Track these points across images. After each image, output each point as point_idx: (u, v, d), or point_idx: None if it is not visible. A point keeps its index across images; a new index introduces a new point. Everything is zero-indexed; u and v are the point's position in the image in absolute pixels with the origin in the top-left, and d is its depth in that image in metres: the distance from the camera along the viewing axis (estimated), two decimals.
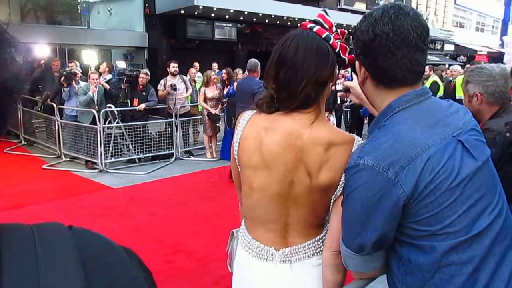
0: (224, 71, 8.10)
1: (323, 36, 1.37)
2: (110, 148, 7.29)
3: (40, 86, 9.33)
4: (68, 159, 7.68)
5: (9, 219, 0.60)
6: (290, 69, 1.30)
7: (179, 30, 13.15)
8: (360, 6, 18.46)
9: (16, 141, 9.06)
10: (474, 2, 30.69)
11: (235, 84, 7.67)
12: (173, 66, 7.94)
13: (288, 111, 1.34)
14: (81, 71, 8.22)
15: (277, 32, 15.87)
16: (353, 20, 16.50)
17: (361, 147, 1.20)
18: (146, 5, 12.98)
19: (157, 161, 7.73)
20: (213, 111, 7.60)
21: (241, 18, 13.96)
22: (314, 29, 1.38)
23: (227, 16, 13.57)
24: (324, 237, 1.43)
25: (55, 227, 0.48)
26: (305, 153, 1.30)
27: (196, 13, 12.75)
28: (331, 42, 1.37)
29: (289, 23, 15.12)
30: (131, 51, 13.86)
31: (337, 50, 1.39)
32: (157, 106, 8.04)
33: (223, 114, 8.02)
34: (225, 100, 7.68)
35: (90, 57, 11.12)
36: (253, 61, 6.52)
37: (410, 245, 1.16)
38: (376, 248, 1.19)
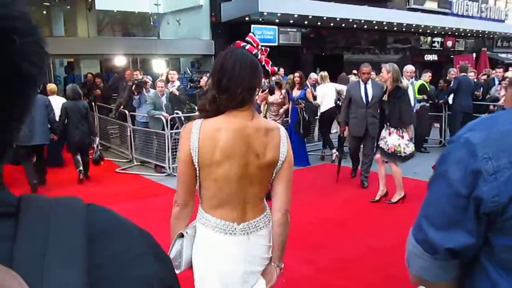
0: (297, 74, 7.90)
1: (253, 53, 1.78)
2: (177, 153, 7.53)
3: (115, 94, 9.93)
4: (139, 163, 8.05)
5: None
6: (230, 78, 1.69)
7: (244, 37, 13.24)
8: (431, 5, 17.62)
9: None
10: None
11: (308, 89, 7.67)
12: None
13: (229, 111, 1.72)
14: (151, 79, 8.61)
15: (343, 35, 15.63)
16: (423, 19, 15.86)
17: (475, 121, 1.03)
18: (213, 13, 13.33)
19: None
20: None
21: (306, 22, 13.89)
22: (246, 47, 1.79)
23: (291, 21, 13.58)
24: (268, 214, 1.85)
25: (72, 202, 0.49)
26: (251, 139, 1.72)
27: (260, 19, 12.89)
28: (259, 57, 1.78)
29: (355, 26, 14.82)
30: (198, 59, 14.30)
31: (263, 63, 1.79)
32: None
33: (286, 119, 8.02)
34: (300, 101, 7.56)
35: (160, 66, 11.60)
36: None
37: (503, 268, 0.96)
38: (453, 255, 1.00)
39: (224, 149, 1.69)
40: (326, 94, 8.27)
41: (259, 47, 1.82)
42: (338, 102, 8.03)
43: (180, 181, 1.78)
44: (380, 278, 3.60)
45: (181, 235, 1.83)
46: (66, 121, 6.59)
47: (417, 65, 11.76)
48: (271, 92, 5.77)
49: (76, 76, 13.30)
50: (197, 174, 1.74)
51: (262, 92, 5.18)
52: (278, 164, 1.77)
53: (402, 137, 5.29)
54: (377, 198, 5.52)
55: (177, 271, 1.78)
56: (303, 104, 7.46)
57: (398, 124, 5.28)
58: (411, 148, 5.35)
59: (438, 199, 1.03)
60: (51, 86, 7.91)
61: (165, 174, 7.33)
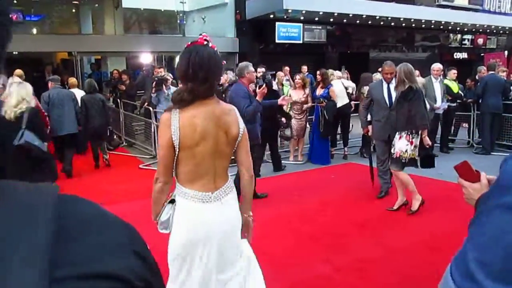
0: (318, 72, 7.90)
1: (215, 49, 2.12)
2: None
3: (142, 92, 10.09)
4: None
5: None
6: (207, 71, 2.01)
7: (269, 35, 13.34)
8: (462, 1, 17.11)
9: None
10: None
11: (331, 88, 7.56)
12: (259, 71, 7.98)
13: (200, 101, 2.05)
14: (172, 77, 8.68)
15: (369, 32, 15.40)
16: (453, 16, 15.44)
17: None
18: (237, 11, 13.36)
19: None
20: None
21: (331, 19, 13.76)
22: (209, 45, 2.10)
23: (316, 19, 13.47)
24: (231, 181, 2.23)
25: (43, 191, 0.46)
26: (220, 120, 2.09)
27: (285, 16, 12.84)
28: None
29: (381, 23, 14.58)
30: (223, 57, 14.30)
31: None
32: None
33: (311, 117, 7.96)
34: (322, 99, 7.49)
35: None
36: (241, 64, 5.55)
37: None
38: None
39: (201, 131, 2.04)
40: (338, 91, 8.22)
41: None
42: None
43: (162, 163, 2.10)
44: (398, 279, 3.54)
45: (172, 201, 2.17)
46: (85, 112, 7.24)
47: (445, 63, 11.47)
48: (269, 87, 5.61)
49: (103, 73, 13.58)
50: (176, 155, 2.06)
51: (259, 87, 5.08)
52: (239, 137, 2.17)
53: (411, 143, 4.97)
54: (395, 207, 5.19)
55: (166, 231, 2.19)
56: (324, 103, 7.41)
57: (406, 127, 4.96)
58: (412, 154, 4.99)
59: (500, 239, 0.82)
60: (72, 80, 8.52)
61: None
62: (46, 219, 0.42)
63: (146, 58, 12.50)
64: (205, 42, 2.08)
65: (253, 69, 5.25)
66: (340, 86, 8.30)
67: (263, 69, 8.00)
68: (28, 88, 4.56)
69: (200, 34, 2.20)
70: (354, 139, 8.85)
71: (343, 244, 4.25)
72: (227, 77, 7.88)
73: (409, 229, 4.65)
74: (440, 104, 7.84)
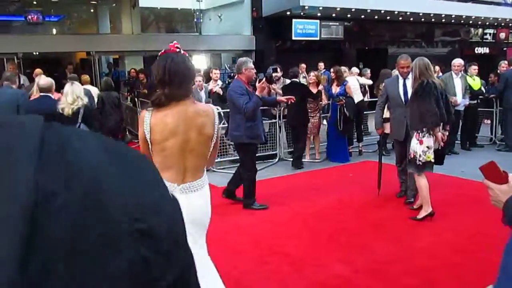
0: (332, 69, 7.83)
1: (187, 55, 2.43)
2: None
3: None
4: None
5: None
6: (183, 76, 2.29)
7: (285, 32, 13.25)
8: None
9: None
10: None
11: (347, 84, 7.44)
12: (275, 75, 7.89)
13: (176, 102, 2.28)
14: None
15: (387, 28, 15.16)
16: (474, 10, 15.04)
17: None
18: (254, 8, 13.30)
19: (261, 161, 7.83)
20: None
21: (348, 15, 13.58)
22: (181, 52, 2.36)
23: (333, 15, 13.31)
24: (203, 180, 2.43)
25: (27, 120, 0.39)
26: (193, 120, 2.30)
27: (302, 13, 12.72)
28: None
29: (400, 18, 14.33)
30: (239, 55, 14.32)
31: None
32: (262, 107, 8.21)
33: (325, 115, 7.87)
34: (341, 97, 7.34)
35: (200, 61, 11.71)
36: (240, 60, 5.39)
37: None
38: None
39: (170, 129, 2.27)
40: (353, 88, 8.12)
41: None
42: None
43: (143, 150, 2.35)
44: (419, 281, 3.44)
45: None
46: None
47: (467, 58, 11.20)
48: (269, 82, 5.42)
49: (120, 72, 13.69)
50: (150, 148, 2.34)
51: (259, 82, 4.97)
52: (214, 136, 2.38)
53: (421, 142, 4.62)
54: (419, 216, 4.73)
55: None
56: (344, 101, 7.29)
57: (418, 126, 4.65)
58: (428, 157, 4.62)
59: None
60: (84, 77, 8.70)
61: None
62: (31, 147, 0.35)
63: None
64: (177, 50, 2.35)
65: (252, 66, 5.07)
66: (355, 83, 8.20)
67: (278, 70, 7.90)
68: (80, 87, 5.41)
69: (171, 42, 2.45)
70: (372, 137, 8.72)
71: (361, 244, 4.16)
72: None
73: (430, 229, 4.52)
74: (461, 100, 7.64)
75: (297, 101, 6.64)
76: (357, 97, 8.04)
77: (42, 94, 5.13)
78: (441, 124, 4.73)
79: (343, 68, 8.55)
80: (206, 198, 2.45)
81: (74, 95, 5.04)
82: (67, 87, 5.13)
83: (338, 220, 4.85)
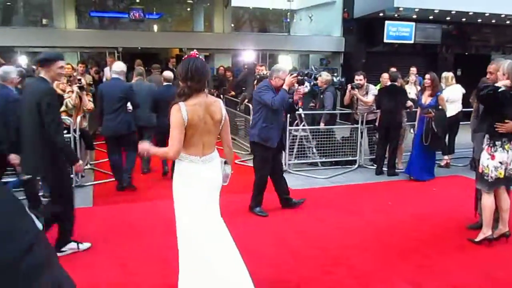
0: (428, 76, 6.80)
1: (203, 60, 3.13)
2: (295, 150, 7.55)
3: (244, 88, 10.34)
4: None
5: None
6: (201, 75, 2.94)
7: (377, 34, 12.80)
8: None
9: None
10: None
11: (440, 95, 6.69)
12: (358, 79, 7.61)
13: (196, 95, 2.93)
14: None
15: (491, 32, 13.98)
16: None
17: None
18: (345, 9, 13.02)
19: (339, 167, 7.66)
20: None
21: (447, 18, 12.72)
22: (200, 57, 3.05)
23: (430, 17, 12.56)
24: (216, 152, 3.07)
25: None
26: (209, 107, 2.96)
27: (396, 15, 12.18)
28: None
29: (507, 22, 13.10)
30: (328, 56, 14.12)
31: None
32: (344, 112, 8.06)
33: (412, 123, 7.43)
34: (430, 109, 6.57)
35: (285, 61, 11.72)
36: (274, 66, 5.41)
37: None
38: None
39: (198, 115, 2.90)
40: (452, 99, 7.50)
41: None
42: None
43: (178, 138, 2.85)
44: None
45: (226, 162, 3.14)
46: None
47: None
48: (299, 83, 5.23)
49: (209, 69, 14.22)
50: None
51: (291, 76, 4.87)
52: (222, 120, 3.05)
53: (493, 157, 4.10)
54: (477, 239, 4.30)
55: (225, 184, 3.15)
56: (433, 113, 6.51)
57: (492, 135, 4.10)
58: (499, 173, 4.08)
59: None
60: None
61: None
62: None
63: (249, 56, 12.78)
64: (197, 55, 3.05)
65: (284, 76, 4.93)
66: (457, 94, 7.64)
67: (361, 77, 7.58)
68: None
69: (181, 50, 3.03)
70: (463, 149, 8.09)
71: (435, 267, 3.86)
72: (323, 79, 7.67)
73: None
74: None
75: (394, 104, 6.85)
76: (456, 107, 7.52)
77: (165, 83, 6.79)
78: None
79: (450, 75, 8.01)
80: (219, 167, 3.08)
81: None
82: None
83: (412, 237, 4.55)
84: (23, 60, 10.78)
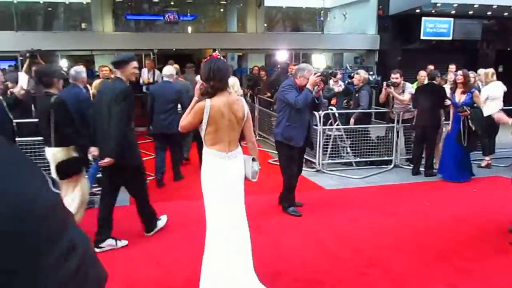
0: (460, 72, 6.62)
1: (225, 60, 3.36)
2: (329, 150, 7.49)
3: (277, 88, 10.34)
4: None
5: None
6: (223, 74, 3.15)
7: (413, 31, 12.49)
8: None
9: None
10: None
11: (475, 92, 6.48)
12: (394, 77, 7.46)
13: (219, 93, 3.13)
14: None
15: None
16: None
17: None
18: (380, 6, 12.78)
19: (374, 166, 7.54)
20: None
21: (489, 13, 12.27)
22: (222, 58, 3.27)
23: (470, 12, 12.14)
24: (240, 148, 3.27)
25: None
26: (232, 106, 3.15)
27: (433, 11, 11.86)
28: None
29: None
30: (362, 54, 13.91)
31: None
32: (379, 110, 7.93)
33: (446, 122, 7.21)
34: (466, 108, 6.35)
35: (318, 60, 11.63)
36: (300, 65, 5.31)
37: None
38: None
39: (222, 112, 3.09)
40: (492, 96, 7.22)
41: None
42: None
43: (192, 122, 3.15)
44: None
45: (254, 159, 3.32)
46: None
47: None
48: (324, 82, 5.11)
49: (243, 69, 14.31)
50: (205, 127, 3.10)
51: (315, 75, 4.80)
52: (245, 118, 3.23)
53: None
54: None
55: (254, 180, 3.32)
56: (468, 112, 6.29)
57: None
58: None
59: None
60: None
61: (315, 169, 7.34)
62: None
63: (282, 55, 12.75)
64: (218, 56, 3.24)
65: (309, 75, 4.86)
66: (498, 92, 7.37)
67: (398, 75, 7.41)
68: (234, 79, 6.05)
69: (214, 51, 3.50)
70: (504, 149, 7.79)
71: (473, 270, 3.74)
72: (359, 77, 7.55)
73: None
74: None
75: (431, 104, 6.70)
76: (497, 105, 7.23)
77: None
78: None
79: (491, 71, 7.72)
80: (242, 161, 3.27)
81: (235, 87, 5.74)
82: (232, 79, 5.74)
83: (450, 238, 4.43)
84: (63, 63, 11.19)
